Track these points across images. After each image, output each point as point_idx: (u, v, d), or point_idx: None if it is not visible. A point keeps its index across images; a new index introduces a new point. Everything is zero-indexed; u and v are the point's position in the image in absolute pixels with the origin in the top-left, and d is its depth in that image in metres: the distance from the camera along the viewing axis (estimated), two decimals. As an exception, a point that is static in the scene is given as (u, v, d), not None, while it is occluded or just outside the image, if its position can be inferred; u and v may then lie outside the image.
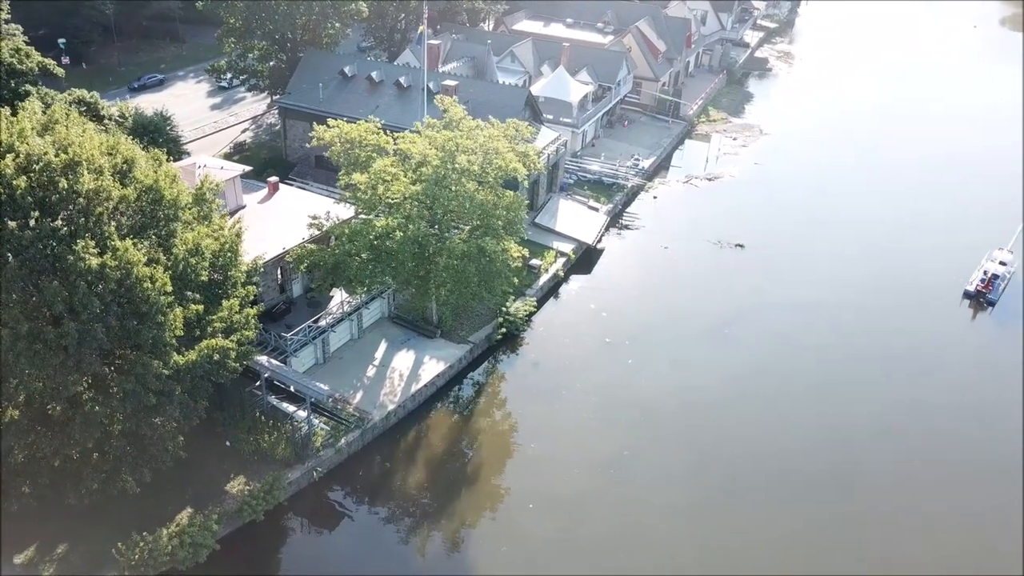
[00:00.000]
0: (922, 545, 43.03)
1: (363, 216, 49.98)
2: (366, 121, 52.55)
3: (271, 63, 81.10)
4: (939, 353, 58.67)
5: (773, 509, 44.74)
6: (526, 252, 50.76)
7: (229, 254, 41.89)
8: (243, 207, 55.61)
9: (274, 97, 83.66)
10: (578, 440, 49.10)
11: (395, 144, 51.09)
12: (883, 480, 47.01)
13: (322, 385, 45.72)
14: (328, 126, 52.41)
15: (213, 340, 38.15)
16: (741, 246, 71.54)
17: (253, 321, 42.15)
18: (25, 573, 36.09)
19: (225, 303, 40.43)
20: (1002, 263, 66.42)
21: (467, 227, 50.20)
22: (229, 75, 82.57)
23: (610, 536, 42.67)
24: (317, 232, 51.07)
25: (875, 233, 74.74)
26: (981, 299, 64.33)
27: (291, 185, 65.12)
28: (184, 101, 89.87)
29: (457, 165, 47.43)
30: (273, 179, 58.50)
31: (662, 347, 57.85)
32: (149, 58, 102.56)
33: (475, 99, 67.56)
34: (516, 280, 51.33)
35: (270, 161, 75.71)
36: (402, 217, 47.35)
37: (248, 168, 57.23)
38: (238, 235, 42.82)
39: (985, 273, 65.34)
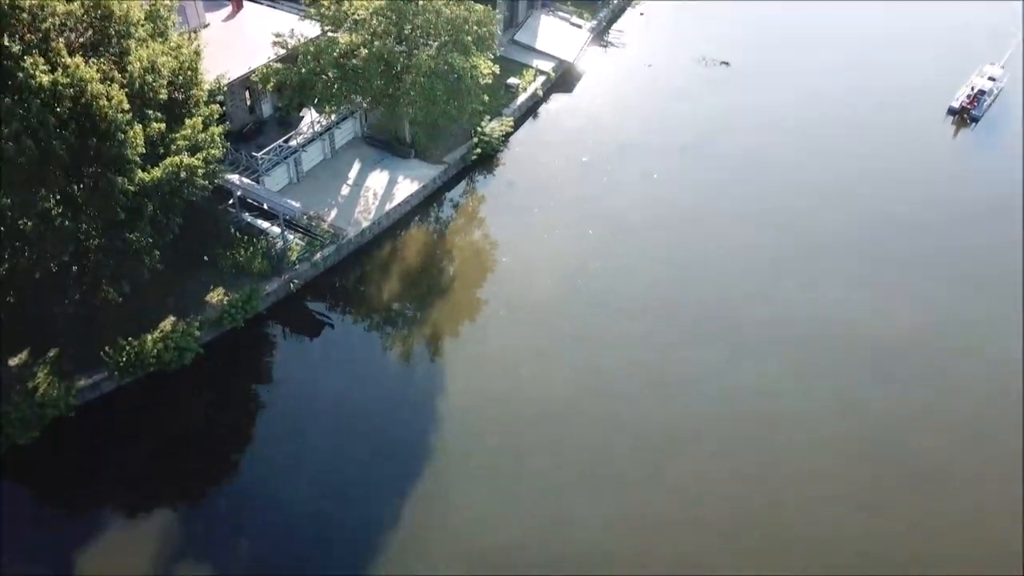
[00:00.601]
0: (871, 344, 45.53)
1: (329, 33, 49.07)
2: None
3: None
4: (913, 167, 58.81)
5: (737, 314, 46.71)
6: (496, 69, 49.99)
7: (189, 72, 41.70)
8: (206, 26, 54.55)
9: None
10: (550, 253, 50.64)
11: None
12: (847, 280, 48.65)
13: (294, 202, 46.94)
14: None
15: (177, 157, 38.85)
16: (727, 64, 69.98)
17: (219, 140, 42.59)
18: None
19: (188, 121, 40.77)
20: (991, 78, 64.89)
21: (436, 43, 49.24)
22: None
23: (576, 336, 45.04)
24: (283, 51, 50.30)
25: (870, 50, 72.64)
26: (965, 115, 63.49)
27: (259, 3, 63.12)
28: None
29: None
30: (237, -5, 56.94)
31: (640, 164, 58.05)
32: None
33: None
34: (486, 98, 50.96)
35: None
36: (367, 33, 46.53)
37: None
38: (197, 53, 42.35)
39: (972, 89, 64.08)
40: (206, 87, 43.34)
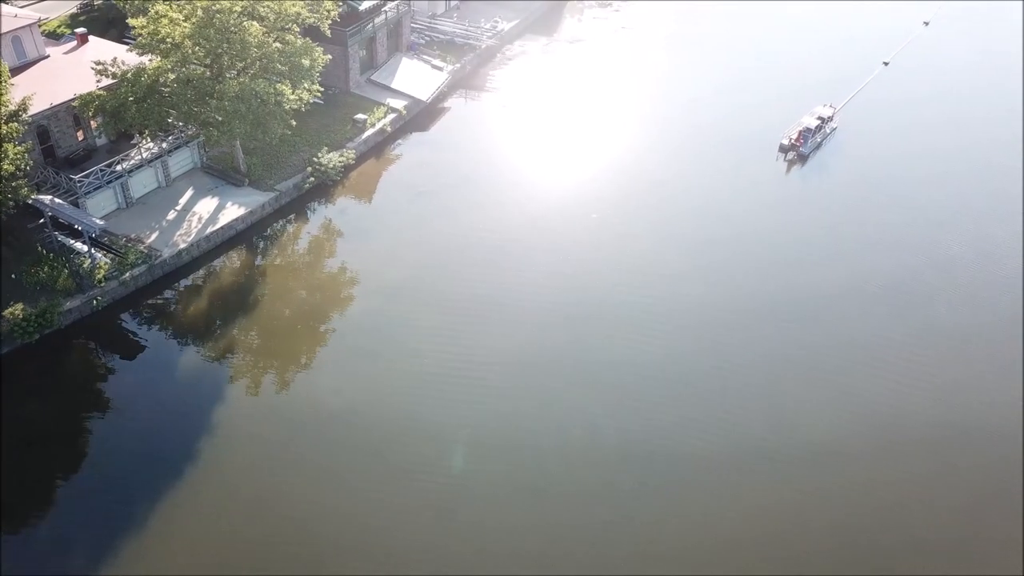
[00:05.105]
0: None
1: (146, 59, 51.11)
2: None
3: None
4: (735, 195, 61.76)
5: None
6: (306, 96, 51.99)
7: (-15, 90, 43.44)
8: (45, 57, 56.50)
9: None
10: (370, 271, 52.27)
11: (180, -12, 51.55)
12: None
13: (97, 220, 48.09)
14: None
15: (-48, 165, 40.11)
16: (579, 106, 73.15)
17: (17, 157, 43.90)
18: None
19: (-25, 135, 42.23)
20: (820, 118, 68.46)
21: (251, 72, 51.30)
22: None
23: (372, 352, 46.41)
24: (110, 79, 52.01)
25: (717, 93, 76.31)
26: (793, 152, 66.80)
27: (128, 43, 65.26)
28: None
29: (219, 6, 48.22)
30: (81, 31, 59.13)
31: (474, 195, 60.07)
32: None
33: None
34: (294, 123, 52.87)
35: (114, 20, 75.17)
36: (178, 58, 48.66)
37: (43, 16, 57.98)
38: (-6, 73, 44.21)
39: (801, 126, 67.55)
40: (8, 108, 44.93)
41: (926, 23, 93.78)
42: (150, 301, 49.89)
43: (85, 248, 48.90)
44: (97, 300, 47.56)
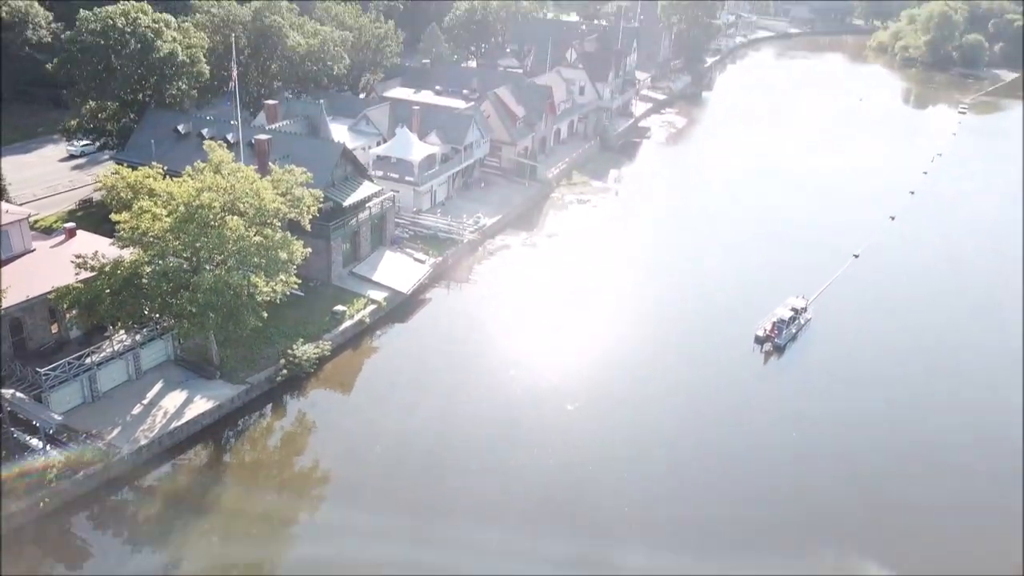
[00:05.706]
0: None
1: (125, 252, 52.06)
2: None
3: (122, 122, 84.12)
4: (713, 389, 61.14)
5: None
6: (277, 287, 52.38)
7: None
8: (31, 251, 57.47)
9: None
10: (340, 468, 50.78)
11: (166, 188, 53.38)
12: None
13: (57, 415, 46.74)
14: (113, 172, 55.08)
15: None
16: (557, 298, 74.33)
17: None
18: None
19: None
20: (793, 309, 69.43)
21: (228, 265, 51.92)
22: (81, 142, 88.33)
23: (360, 552, 43.92)
24: (88, 272, 52.57)
25: (691, 284, 78.08)
26: (769, 343, 67.09)
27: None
28: (46, 162, 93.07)
29: (200, 201, 49.81)
30: (69, 225, 60.75)
31: (446, 391, 59.15)
32: (28, 122, 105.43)
33: (296, 153, 70.29)
34: (265, 314, 52.93)
35: (108, 216, 77.57)
36: (156, 251, 49.58)
37: (32, 213, 59.45)
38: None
39: (775, 318, 68.30)
40: (-22, 300, 45.07)
41: (892, 218, 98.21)
42: (106, 501, 47.38)
43: (41, 445, 47.12)
44: (45, 502, 45.12)
